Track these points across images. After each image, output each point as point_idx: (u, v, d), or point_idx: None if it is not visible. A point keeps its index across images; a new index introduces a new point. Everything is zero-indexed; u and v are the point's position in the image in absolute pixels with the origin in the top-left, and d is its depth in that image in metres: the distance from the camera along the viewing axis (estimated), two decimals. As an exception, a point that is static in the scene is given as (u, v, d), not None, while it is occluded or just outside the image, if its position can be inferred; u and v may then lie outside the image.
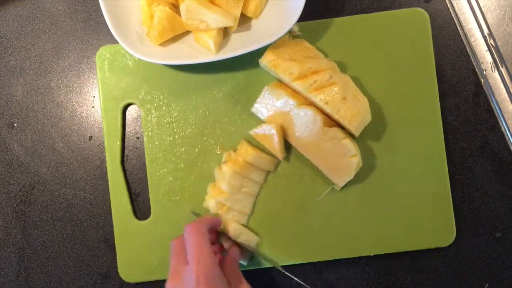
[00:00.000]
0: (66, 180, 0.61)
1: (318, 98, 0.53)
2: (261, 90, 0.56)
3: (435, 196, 0.57)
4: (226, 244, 0.56)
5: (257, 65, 0.58)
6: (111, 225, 0.60)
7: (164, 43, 0.56)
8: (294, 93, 0.55)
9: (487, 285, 0.58)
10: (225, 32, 0.56)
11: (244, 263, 0.57)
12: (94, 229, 0.60)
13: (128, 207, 0.59)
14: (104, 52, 0.60)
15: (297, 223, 0.58)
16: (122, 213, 0.59)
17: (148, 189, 0.59)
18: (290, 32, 0.58)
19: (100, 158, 0.61)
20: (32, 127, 0.62)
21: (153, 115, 0.59)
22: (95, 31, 0.62)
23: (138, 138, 0.61)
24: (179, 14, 0.54)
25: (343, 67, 0.58)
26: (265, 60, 0.55)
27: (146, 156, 0.59)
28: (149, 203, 0.59)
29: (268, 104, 0.56)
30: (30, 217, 0.61)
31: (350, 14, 0.60)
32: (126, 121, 0.60)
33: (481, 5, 0.60)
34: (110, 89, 0.59)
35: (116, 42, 0.60)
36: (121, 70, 0.59)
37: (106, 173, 0.60)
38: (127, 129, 0.61)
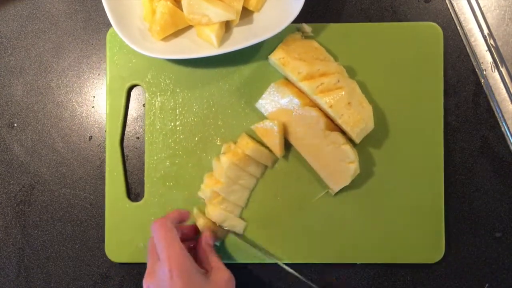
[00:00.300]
0: (66, 180, 0.61)
1: (323, 101, 0.53)
2: (267, 86, 0.57)
3: (428, 211, 0.57)
4: (199, 223, 0.56)
5: (264, 60, 0.58)
6: (111, 225, 0.60)
7: (166, 38, 0.56)
8: (300, 93, 0.56)
9: (487, 285, 0.58)
10: (227, 26, 0.56)
11: (217, 243, 0.58)
12: (94, 229, 0.60)
13: (123, 187, 0.59)
14: (115, 33, 0.59)
15: (290, 221, 0.58)
16: (115, 192, 0.59)
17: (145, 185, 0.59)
18: (302, 32, 0.58)
19: (100, 158, 0.61)
20: (32, 127, 0.62)
21: (158, 99, 0.59)
22: (95, 31, 0.62)
23: (138, 138, 0.61)
24: (181, 9, 0.54)
25: (351, 72, 0.58)
26: (275, 57, 0.55)
27: (145, 138, 0.59)
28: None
29: (273, 101, 0.56)
30: (30, 217, 0.61)
31: (351, 15, 0.60)
32: (127, 121, 0.60)
33: (481, 5, 0.60)
34: (117, 69, 0.60)
35: None
36: (131, 51, 0.59)
37: (105, 173, 0.60)
38: (127, 129, 0.61)
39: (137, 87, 0.61)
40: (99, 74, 0.62)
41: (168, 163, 0.59)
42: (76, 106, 0.62)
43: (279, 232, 0.58)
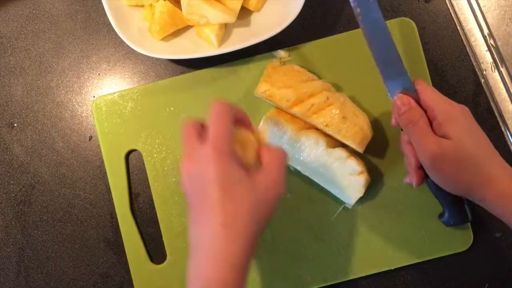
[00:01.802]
0: (66, 180, 0.61)
1: (318, 122, 0.53)
2: (258, 117, 0.56)
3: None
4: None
5: (251, 94, 0.58)
6: (111, 225, 0.60)
7: (166, 38, 0.56)
8: (294, 118, 0.55)
9: (487, 285, 0.58)
10: (226, 26, 0.56)
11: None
12: (94, 229, 0.60)
13: (143, 253, 0.58)
14: (100, 104, 0.59)
15: (313, 245, 0.57)
16: (137, 259, 0.58)
17: (149, 190, 0.59)
18: (280, 58, 0.58)
19: (100, 158, 0.61)
20: (32, 127, 0.62)
21: (156, 158, 0.59)
22: (95, 31, 0.62)
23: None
24: (181, 9, 0.54)
25: (337, 86, 0.58)
26: (260, 91, 0.55)
27: (154, 200, 0.59)
28: (151, 206, 0.59)
29: (269, 132, 0.56)
30: (30, 217, 0.61)
31: (351, 15, 0.60)
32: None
33: (481, 5, 0.60)
34: (110, 139, 0.59)
35: (109, 91, 0.62)
36: (119, 119, 0.59)
37: (105, 173, 0.60)
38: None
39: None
40: (99, 74, 0.62)
41: (184, 218, 0.58)
42: (76, 106, 0.62)
43: (305, 257, 0.57)
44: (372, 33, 0.50)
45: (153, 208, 0.59)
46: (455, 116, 0.47)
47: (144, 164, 0.59)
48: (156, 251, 0.59)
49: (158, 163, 0.59)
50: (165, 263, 0.58)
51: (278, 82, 0.55)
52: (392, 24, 0.59)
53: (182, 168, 0.43)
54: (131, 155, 0.60)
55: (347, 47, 0.59)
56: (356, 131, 0.53)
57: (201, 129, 0.45)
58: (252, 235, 0.41)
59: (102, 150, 0.59)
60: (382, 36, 0.50)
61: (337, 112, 0.53)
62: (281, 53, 0.58)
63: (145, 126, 0.59)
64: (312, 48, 0.59)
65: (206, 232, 0.40)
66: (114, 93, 0.59)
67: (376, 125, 0.58)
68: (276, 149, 0.45)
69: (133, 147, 0.59)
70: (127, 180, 0.59)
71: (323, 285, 0.57)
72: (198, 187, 0.42)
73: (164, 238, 0.58)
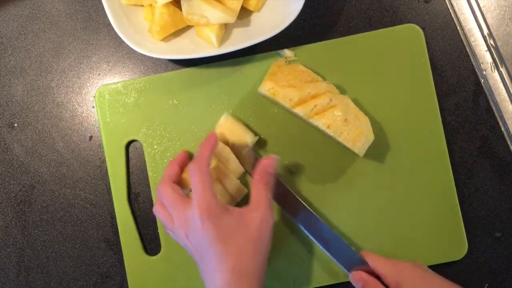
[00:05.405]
0: (66, 180, 0.61)
1: (320, 123, 0.53)
2: (260, 114, 0.58)
3: (444, 211, 0.57)
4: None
5: (254, 91, 0.58)
6: (111, 225, 0.60)
7: (166, 38, 0.56)
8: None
9: (486, 285, 0.58)
10: (227, 26, 0.56)
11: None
12: (94, 229, 0.60)
13: (138, 243, 0.58)
14: (103, 92, 0.59)
15: (308, 248, 0.58)
16: (132, 249, 0.58)
17: (149, 190, 0.59)
18: (286, 57, 0.59)
19: (100, 158, 0.61)
20: (32, 127, 0.62)
21: (156, 150, 0.59)
22: (95, 31, 0.62)
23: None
24: (181, 9, 0.54)
25: (340, 88, 0.58)
26: (264, 89, 0.55)
27: (152, 192, 0.59)
28: (151, 205, 0.59)
29: None
30: (30, 217, 0.61)
31: (351, 15, 0.61)
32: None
33: (481, 5, 0.60)
34: (111, 128, 0.59)
35: (112, 81, 0.61)
36: (121, 108, 0.59)
37: (106, 173, 0.60)
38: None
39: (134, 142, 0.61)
40: (99, 74, 0.62)
41: None
42: (76, 106, 0.62)
43: (302, 258, 0.58)
44: (311, 229, 0.55)
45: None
46: (404, 278, 0.51)
47: (144, 164, 0.59)
48: (156, 251, 0.59)
49: (158, 155, 0.59)
50: (159, 255, 0.58)
51: (283, 80, 0.55)
52: (399, 30, 0.59)
53: (180, 232, 0.48)
54: (132, 149, 0.60)
55: (353, 50, 0.59)
56: (357, 134, 0.53)
57: (179, 180, 0.52)
58: (258, 267, 0.47)
59: (103, 139, 0.59)
60: (319, 226, 0.55)
61: (340, 114, 0.53)
62: (287, 52, 0.59)
63: (147, 117, 0.59)
64: (318, 49, 0.59)
65: (219, 284, 0.45)
66: (118, 82, 0.59)
67: (377, 129, 0.58)
68: (263, 182, 0.50)
69: (134, 137, 0.59)
70: (126, 170, 0.59)
71: (319, 286, 0.57)
72: (199, 245, 0.47)
73: (160, 232, 0.59)
